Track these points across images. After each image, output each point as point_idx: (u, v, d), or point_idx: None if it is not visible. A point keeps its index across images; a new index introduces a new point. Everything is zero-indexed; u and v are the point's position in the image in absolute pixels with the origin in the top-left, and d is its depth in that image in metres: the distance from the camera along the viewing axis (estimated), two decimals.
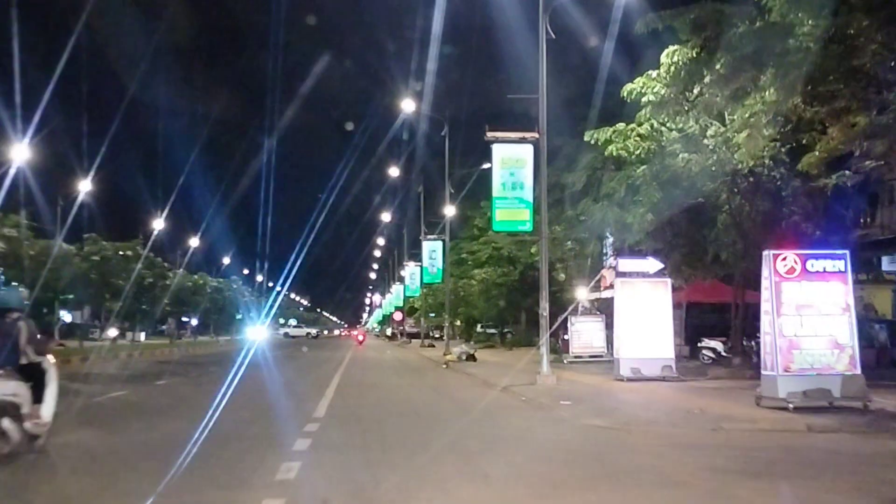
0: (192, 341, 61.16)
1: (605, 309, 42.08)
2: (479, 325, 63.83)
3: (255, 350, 36.93)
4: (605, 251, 40.70)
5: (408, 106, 36.86)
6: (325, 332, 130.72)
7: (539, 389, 17.42)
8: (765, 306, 12.48)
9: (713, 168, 18.23)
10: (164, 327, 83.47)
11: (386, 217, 68.21)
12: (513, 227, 19.44)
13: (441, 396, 17.32)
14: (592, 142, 21.05)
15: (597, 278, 41.56)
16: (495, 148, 18.95)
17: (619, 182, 25.61)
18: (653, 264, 19.15)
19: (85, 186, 37.45)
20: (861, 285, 22.02)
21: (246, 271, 74.45)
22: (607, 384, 18.57)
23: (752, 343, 24.05)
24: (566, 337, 32.51)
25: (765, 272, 12.48)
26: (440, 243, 40.23)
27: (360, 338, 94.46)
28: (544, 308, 19.27)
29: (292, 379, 21.76)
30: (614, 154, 20.11)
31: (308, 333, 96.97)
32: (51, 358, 9.05)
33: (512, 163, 18.83)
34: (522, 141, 18.89)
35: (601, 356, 28.72)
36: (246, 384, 18.18)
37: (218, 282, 57.91)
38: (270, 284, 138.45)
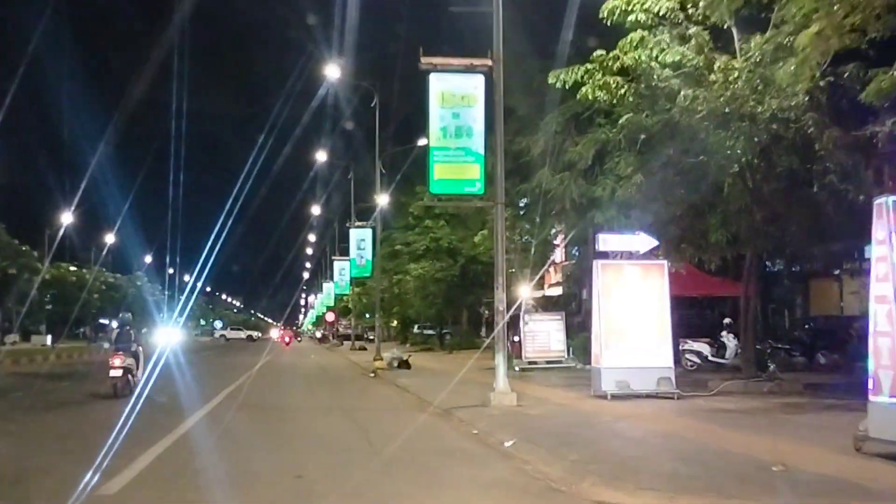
0: (82, 346, 54.63)
1: (548, 309, 38.09)
2: (415, 326, 58.75)
3: (156, 356, 31.35)
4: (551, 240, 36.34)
5: (332, 73, 31.46)
6: (259, 335, 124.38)
7: (495, 415, 12.35)
8: (878, 289, 7.55)
9: (727, 108, 13.39)
10: (81, 330, 76.97)
11: (316, 210, 62.88)
12: (457, 189, 14.09)
13: (356, 428, 12.00)
14: (558, 85, 16.03)
15: (541, 272, 36.97)
16: (433, 79, 13.53)
17: (587, 146, 20.86)
18: (645, 241, 14.24)
19: None
20: None
21: (171, 271, 67.95)
22: (587, 405, 13.55)
23: (768, 346, 19.52)
24: (516, 339, 27.70)
25: (878, 233, 7.53)
26: (369, 231, 34.90)
27: (287, 339, 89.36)
28: (500, 300, 14.23)
29: (162, 399, 16.10)
30: (590, 97, 15.10)
31: (249, 336, 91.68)
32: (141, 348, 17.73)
33: (456, 100, 13.49)
34: (471, 70, 13.63)
35: (560, 362, 23.89)
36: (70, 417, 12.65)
37: (114, 277, 51.33)
38: (201, 285, 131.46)
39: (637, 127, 15.18)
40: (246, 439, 10.72)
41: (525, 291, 39.56)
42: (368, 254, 35.53)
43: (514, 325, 28.59)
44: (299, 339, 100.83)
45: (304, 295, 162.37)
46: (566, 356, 24.13)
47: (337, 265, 52.91)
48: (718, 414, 12.01)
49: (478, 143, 13.55)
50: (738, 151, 13.73)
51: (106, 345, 20.69)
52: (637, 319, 14.07)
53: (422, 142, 34.80)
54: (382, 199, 36.21)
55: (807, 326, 26.13)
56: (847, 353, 19.70)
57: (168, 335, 50.65)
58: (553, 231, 28.61)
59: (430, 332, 58.38)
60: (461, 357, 35.10)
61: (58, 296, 37.78)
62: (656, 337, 14.06)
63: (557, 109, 21.66)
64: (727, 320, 21.63)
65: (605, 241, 14.44)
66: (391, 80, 36.87)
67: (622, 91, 14.75)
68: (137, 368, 16.86)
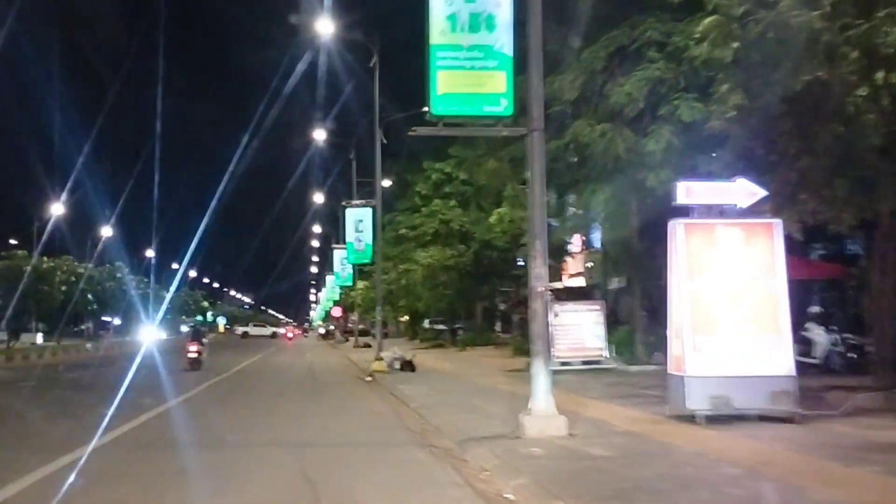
0: (79, 344, 50.62)
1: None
2: (425, 321, 54.32)
3: (138, 355, 27.41)
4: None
5: (324, 28, 26.94)
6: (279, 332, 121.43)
7: (538, 458, 7.80)
8: None
9: None
10: (82, 328, 72.85)
11: (319, 198, 58.52)
12: (472, 108, 9.24)
13: (298, 492, 7.40)
14: None
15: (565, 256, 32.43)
16: None
17: (637, 85, 16.36)
18: (746, 191, 9.73)
19: None
20: None
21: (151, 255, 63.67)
22: (673, 434, 8.99)
23: None
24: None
25: None
26: (369, 211, 30.36)
27: (290, 336, 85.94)
28: (540, 277, 9.58)
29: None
30: None
31: (273, 333, 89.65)
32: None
33: None
34: None
35: (598, 361, 19.41)
36: None
37: (84, 268, 46.76)
38: (197, 278, 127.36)
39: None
40: None
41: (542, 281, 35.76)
42: (368, 237, 30.94)
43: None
44: (306, 335, 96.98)
45: (313, 290, 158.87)
46: (605, 354, 19.64)
47: (337, 254, 48.47)
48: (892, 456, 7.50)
49: (503, 39, 8.92)
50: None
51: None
52: (739, 305, 9.55)
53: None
54: (384, 181, 31.77)
55: None
56: None
57: (149, 334, 46.56)
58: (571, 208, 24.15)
59: (442, 327, 54.04)
60: (475, 355, 30.67)
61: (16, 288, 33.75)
62: (768, 330, 9.54)
63: (598, 42, 17.20)
64: (815, 309, 17.02)
65: (690, 192, 9.81)
66: (392, 35, 32.23)
67: None
68: (204, 354, 24.98)
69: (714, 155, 12.57)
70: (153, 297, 57.02)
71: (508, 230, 32.39)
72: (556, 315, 19.77)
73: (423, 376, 19.61)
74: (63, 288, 41.44)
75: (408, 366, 20.85)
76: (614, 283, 33.28)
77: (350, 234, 31.20)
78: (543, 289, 9.52)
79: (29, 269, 34.58)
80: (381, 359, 22.48)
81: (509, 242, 35.25)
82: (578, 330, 19.71)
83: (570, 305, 20.65)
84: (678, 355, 9.72)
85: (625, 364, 19.73)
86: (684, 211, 10.02)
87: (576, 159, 18.19)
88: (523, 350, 28.59)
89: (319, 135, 40.83)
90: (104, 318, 78.68)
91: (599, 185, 18.11)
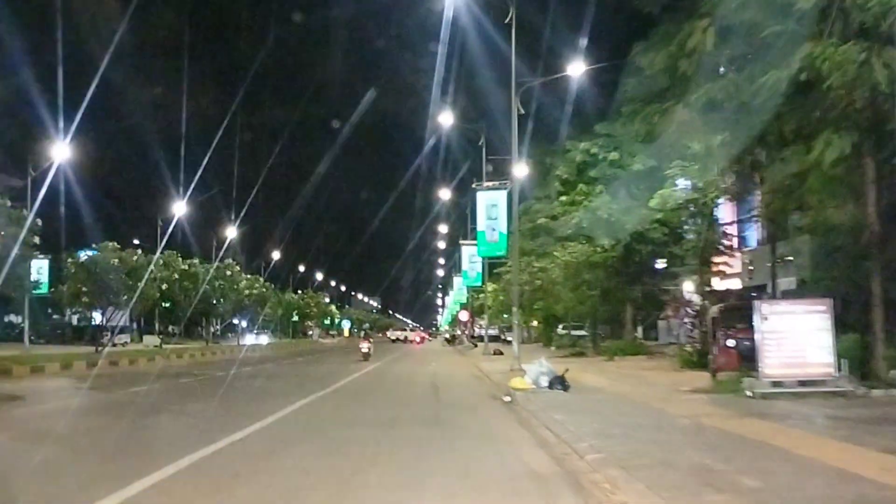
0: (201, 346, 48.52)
1: (723, 310, 28.51)
2: (559, 326, 49.29)
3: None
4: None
5: None
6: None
7: None
8: None
9: None
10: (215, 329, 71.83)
11: (445, 194, 54.53)
12: None
13: None
14: None
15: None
16: None
17: None
18: None
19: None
20: None
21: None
22: None
23: None
24: (729, 344, 18.32)
25: None
26: (502, 195, 25.72)
27: (418, 340, 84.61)
28: None
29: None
30: None
31: (406, 338, 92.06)
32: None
33: None
34: None
35: (825, 382, 14.06)
36: None
37: (189, 265, 43.77)
38: (336, 284, 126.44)
39: None
40: None
41: (687, 285, 29.99)
42: (501, 224, 26.23)
43: (723, 323, 19.46)
44: (430, 339, 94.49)
45: (440, 294, 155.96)
46: (835, 373, 14.24)
47: (466, 251, 44.16)
48: None
49: None
50: None
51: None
52: None
53: (574, 68, 25.54)
54: (519, 171, 26.97)
55: None
56: None
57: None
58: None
59: (581, 332, 48.85)
60: (629, 367, 25.50)
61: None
62: None
63: None
64: None
65: None
66: None
67: None
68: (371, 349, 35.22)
69: None
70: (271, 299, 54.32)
71: (670, 219, 27.17)
72: (764, 319, 14.55)
73: (583, 398, 14.77)
74: (164, 286, 38.65)
75: (559, 382, 16.04)
76: (784, 284, 27.81)
77: (481, 222, 26.50)
78: None
79: (117, 261, 31.83)
80: (520, 371, 17.82)
81: (667, 235, 29.95)
82: (796, 339, 14.37)
83: (783, 305, 15.29)
84: None
85: (860, 386, 14.32)
86: None
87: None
88: (691, 362, 23.34)
89: (446, 119, 36.77)
90: (233, 322, 77.43)
91: (836, 134, 12.77)
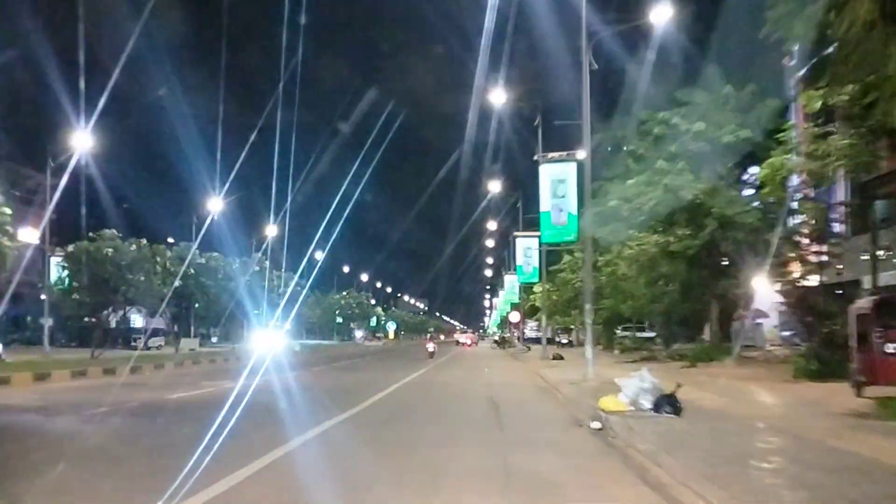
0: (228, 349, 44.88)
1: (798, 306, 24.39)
2: (619, 327, 44.71)
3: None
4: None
5: None
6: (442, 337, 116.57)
7: None
8: None
9: None
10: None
11: (495, 186, 50.31)
12: None
13: None
14: None
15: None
16: None
17: None
18: None
19: None
20: None
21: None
22: None
23: None
24: (890, 349, 13.89)
25: None
26: (571, 168, 21.30)
27: (468, 343, 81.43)
28: None
29: None
30: None
31: (457, 341, 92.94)
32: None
33: None
34: None
35: None
36: None
37: (207, 258, 39.57)
38: (382, 286, 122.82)
39: None
40: None
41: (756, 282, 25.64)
42: (570, 203, 21.63)
43: (871, 319, 15.13)
44: (477, 343, 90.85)
45: (487, 295, 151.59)
46: None
47: (520, 244, 39.78)
48: None
49: None
50: None
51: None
52: None
53: (659, 13, 21.06)
54: (580, 155, 22.45)
55: None
56: None
57: (264, 341, 39.97)
58: None
59: (647, 333, 44.13)
60: (721, 375, 21.07)
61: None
62: None
63: None
64: None
65: None
66: None
67: None
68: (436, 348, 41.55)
69: None
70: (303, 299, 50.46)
71: (777, 195, 22.68)
72: None
73: (711, 429, 10.39)
74: (178, 283, 34.68)
75: (667, 403, 11.66)
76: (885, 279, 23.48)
77: (545, 201, 21.80)
78: None
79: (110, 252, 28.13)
80: (612, 388, 13.49)
81: (760, 220, 25.29)
82: None
83: None
84: None
85: None
86: None
87: None
88: (808, 371, 18.94)
89: (497, 97, 32.58)
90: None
91: None
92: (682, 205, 25.63)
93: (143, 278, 27.75)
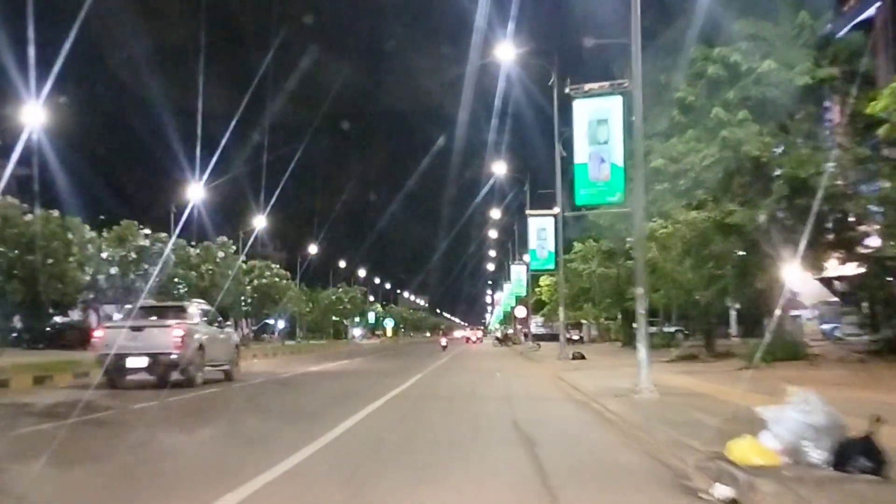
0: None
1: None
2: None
3: None
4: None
5: None
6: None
7: None
8: None
9: None
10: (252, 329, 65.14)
11: (501, 168, 45.95)
12: None
13: None
14: None
15: None
16: None
17: None
18: None
19: None
20: None
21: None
22: None
23: None
24: None
25: None
26: (616, 102, 15.54)
27: (473, 339, 79.70)
28: None
29: None
30: None
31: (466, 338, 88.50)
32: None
33: None
34: None
35: None
36: None
37: (152, 240, 34.37)
38: (381, 282, 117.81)
39: None
40: None
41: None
42: (615, 152, 15.00)
43: None
44: (480, 340, 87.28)
45: (489, 291, 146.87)
46: None
47: (534, 224, 34.37)
48: None
49: None
50: None
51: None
52: None
53: None
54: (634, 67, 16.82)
55: None
56: None
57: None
58: None
59: (675, 328, 38.87)
60: (801, 380, 15.51)
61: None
62: None
63: None
64: None
65: None
66: None
67: None
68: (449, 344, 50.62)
69: None
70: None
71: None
72: None
73: None
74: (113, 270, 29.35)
75: (861, 455, 6.24)
76: None
77: (582, 150, 15.54)
78: None
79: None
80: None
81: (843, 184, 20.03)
82: None
83: None
84: None
85: None
86: None
87: None
88: None
89: (505, 52, 27.59)
90: (267, 322, 70.44)
91: None
92: (744, 165, 20.28)
93: (50, 261, 22.37)
